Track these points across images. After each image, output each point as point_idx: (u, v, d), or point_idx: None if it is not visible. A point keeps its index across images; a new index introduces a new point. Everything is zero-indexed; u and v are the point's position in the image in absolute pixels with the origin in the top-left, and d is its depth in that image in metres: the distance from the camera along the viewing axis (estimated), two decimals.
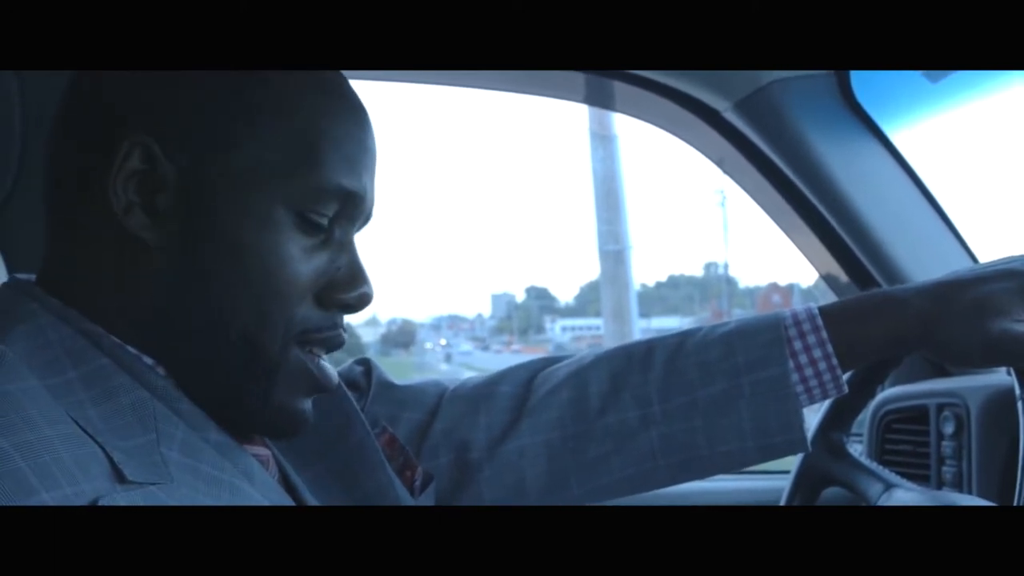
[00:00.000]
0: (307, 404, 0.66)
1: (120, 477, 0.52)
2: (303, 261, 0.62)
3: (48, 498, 0.49)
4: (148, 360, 0.61)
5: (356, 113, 0.65)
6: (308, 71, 0.63)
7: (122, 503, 0.51)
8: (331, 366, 0.67)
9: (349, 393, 0.76)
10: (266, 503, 0.60)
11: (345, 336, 0.66)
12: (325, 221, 0.63)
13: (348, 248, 0.66)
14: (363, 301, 0.66)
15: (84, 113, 0.62)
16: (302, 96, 0.62)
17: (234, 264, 0.60)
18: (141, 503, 0.52)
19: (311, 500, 0.68)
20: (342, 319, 0.66)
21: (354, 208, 0.65)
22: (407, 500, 0.74)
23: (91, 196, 0.60)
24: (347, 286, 0.65)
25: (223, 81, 0.61)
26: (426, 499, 0.77)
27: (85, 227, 0.61)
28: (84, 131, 0.61)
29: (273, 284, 0.61)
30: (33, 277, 0.64)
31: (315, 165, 0.62)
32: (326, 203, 0.63)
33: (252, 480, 0.61)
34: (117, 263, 0.61)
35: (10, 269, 1.02)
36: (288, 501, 0.64)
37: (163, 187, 0.60)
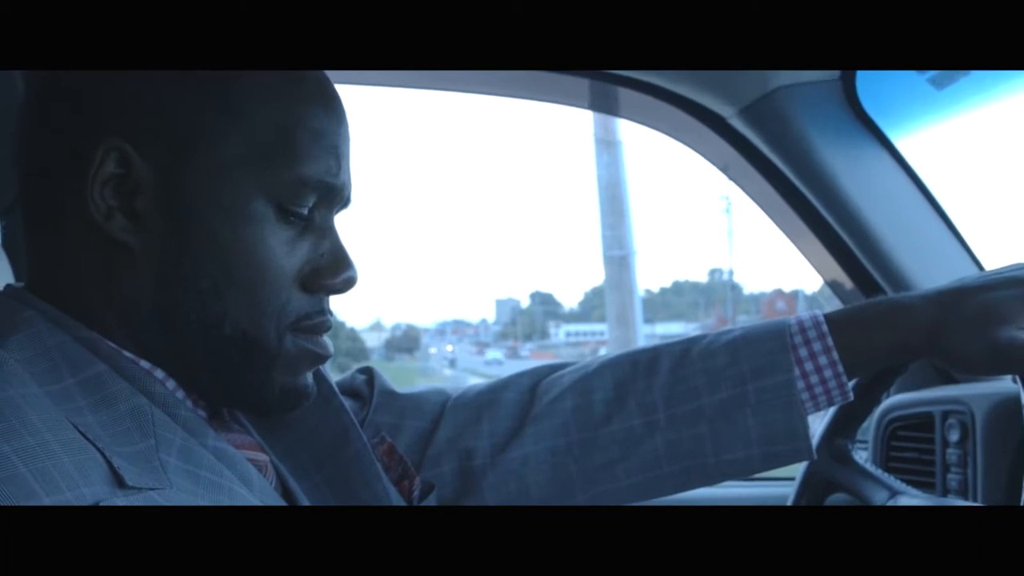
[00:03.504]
0: (308, 378, 0.67)
1: (120, 482, 0.52)
2: (287, 252, 0.63)
3: (49, 502, 0.49)
4: (145, 365, 0.61)
5: (330, 103, 0.65)
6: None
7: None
8: (327, 339, 0.67)
9: (347, 404, 0.76)
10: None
11: (332, 320, 0.67)
12: (305, 211, 0.63)
13: (330, 233, 0.66)
14: (348, 284, 0.66)
15: (55, 121, 0.61)
16: (276, 90, 0.62)
17: (219, 261, 0.61)
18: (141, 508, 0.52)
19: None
20: (328, 303, 0.67)
21: (333, 197, 0.65)
22: None
23: (71, 203, 0.60)
24: (332, 271, 0.65)
25: (196, 80, 0.61)
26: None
27: (69, 233, 0.61)
28: (57, 139, 0.61)
29: (259, 277, 0.62)
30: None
31: (292, 159, 0.62)
32: (306, 195, 0.63)
33: (250, 486, 0.61)
34: (104, 268, 0.61)
35: (17, 275, 1.02)
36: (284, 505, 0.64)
37: (141, 189, 0.60)
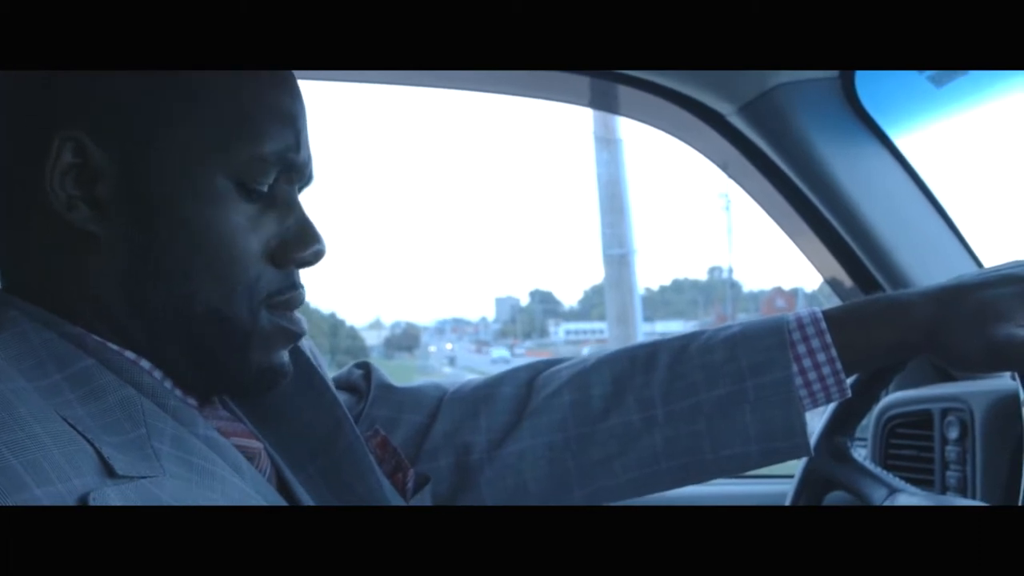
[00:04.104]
0: (284, 356, 0.67)
1: (110, 471, 0.53)
2: (251, 227, 0.63)
3: (40, 494, 0.49)
4: (130, 355, 0.62)
5: (285, 80, 0.66)
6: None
7: (114, 497, 0.51)
8: (301, 316, 0.68)
9: (344, 398, 0.77)
10: (256, 496, 0.61)
11: (305, 294, 0.67)
12: (266, 187, 0.64)
13: (294, 208, 0.66)
14: (317, 256, 0.67)
15: (10, 115, 0.62)
16: (229, 71, 0.63)
17: (184, 241, 0.61)
18: (133, 496, 0.52)
19: (305, 496, 0.69)
20: (299, 277, 0.67)
21: (294, 172, 0.66)
22: (397, 503, 0.74)
23: (33, 197, 0.61)
24: (300, 244, 0.66)
25: None
26: (420, 501, 0.77)
27: (35, 228, 0.61)
28: (13, 133, 0.61)
29: (226, 254, 0.62)
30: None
31: (251, 137, 0.62)
32: (266, 171, 0.63)
33: (241, 474, 0.61)
34: (72, 259, 0.61)
35: None
36: (277, 495, 0.65)
37: (101, 177, 0.60)
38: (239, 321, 0.63)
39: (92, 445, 0.53)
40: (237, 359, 0.64)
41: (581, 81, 1.34)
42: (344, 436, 0.73)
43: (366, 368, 0.87)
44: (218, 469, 0.59)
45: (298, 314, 0.67)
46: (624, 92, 1.34)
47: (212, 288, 0.62)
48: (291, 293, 0.66)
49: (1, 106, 0.62)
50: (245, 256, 0.63)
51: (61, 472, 0.51)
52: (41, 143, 0.60)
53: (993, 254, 1.35)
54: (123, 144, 0.60)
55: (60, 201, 0.60)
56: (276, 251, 0.65)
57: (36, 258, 0.62)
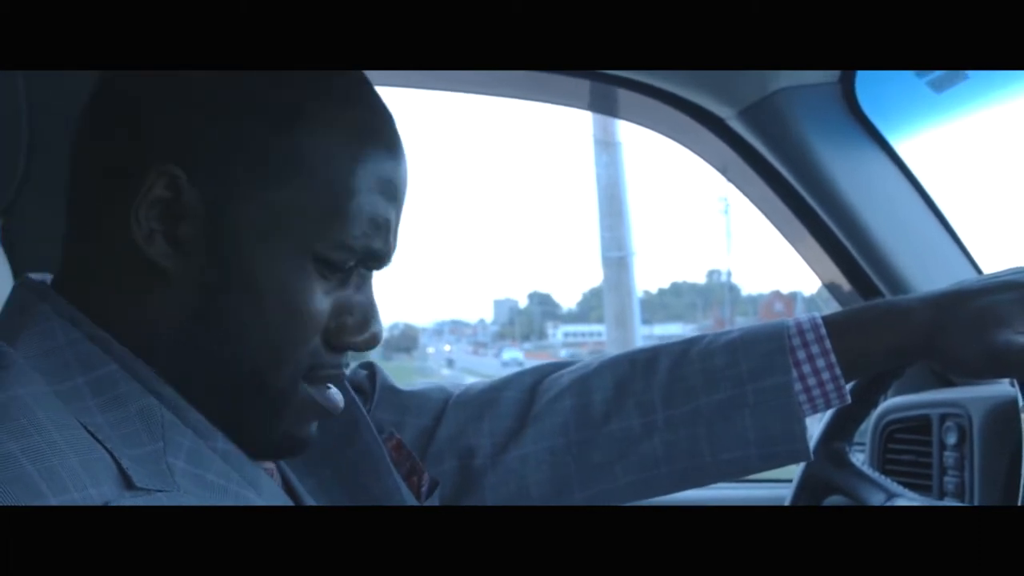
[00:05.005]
0: (312, 428, 0.66)
1: (128, 483, 0.52)
2: (319, 303, 0.61)
3: (55, 503, 0.48)
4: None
5: (396, 174, 0.64)
6: (355, 115, 0.62)
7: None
8: (338, 391, 0.66)
9: (357, 398, 0.76)
10: None
11: (345, 373, 0.66)
12: (344, 268, 0.62)
13: (365, 289, 0.65)
14: (371, 343, 0.65)
15: (112, 135, 0.61)
16: (344, 148, 0.61)
17: (251, 302, 0.59)
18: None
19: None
20: (348, 358, 0.66)
21: (376, 261, 0.64)
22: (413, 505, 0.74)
23: (114, 217, 0.59)
24: (358, 329, 0.64)
25: (262, 117, 0.59)
26: (432, 504, 0.77)
27: (105, 244, 0.60)
28: (111, 153, 0.60)
29: (288, 325, 0.60)
30: (48, 277, 0.63)
31: (345, 221, 0.61)
32: (350, 256, 0.62)
33: (259, 490, 0.60)
34: (134, 285, 0.60)
35: (15, 272, 1.02)
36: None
37: (187, 217, 0.59)
38: (279, 392, 0.61)
39: (111, 455, 0.53)
40: (266, 426, 0.62)
41: (581, 84, 1.35)
42: (362, 437, 0.73)
43: (371, 369, 0.87)
44: (232, 485, 0.58)
45: (336, 392, 0.66)
46: (624, 95, 1.34)
47: (263, 354, 0.60)
48: (334, 370, 0.64)
49: (109, 123, 0.61)
50: (305, 330, 0.61)
51: (78, 480, 0.50)
52: (136, 170, 0.58)
53: (993, 260, 1.36)
54: (219, 191, 0.59)
55: (142, 231, 0.58)
56: (333, 333, 0.63)
57: (98, 267, 0.61)
